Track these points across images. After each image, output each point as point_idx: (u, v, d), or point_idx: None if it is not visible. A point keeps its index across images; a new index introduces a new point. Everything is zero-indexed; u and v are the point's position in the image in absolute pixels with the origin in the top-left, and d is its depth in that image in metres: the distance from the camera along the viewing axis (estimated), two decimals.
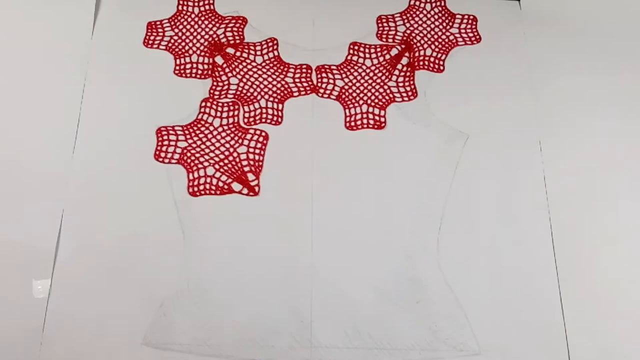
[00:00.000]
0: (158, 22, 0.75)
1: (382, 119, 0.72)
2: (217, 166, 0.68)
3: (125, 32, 0.74)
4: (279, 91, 0.73)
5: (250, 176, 0.68)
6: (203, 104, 0.71)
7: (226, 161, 0.68)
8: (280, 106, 0.72)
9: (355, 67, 0.75)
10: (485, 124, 0.72)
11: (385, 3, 0.79)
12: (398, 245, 0.65)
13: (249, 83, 0.73)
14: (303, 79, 0.74)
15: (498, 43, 0.77)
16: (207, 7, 0.77)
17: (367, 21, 0.78)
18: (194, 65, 0.73)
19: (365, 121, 0.72)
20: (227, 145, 0.69)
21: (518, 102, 0.74)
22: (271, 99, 0.72)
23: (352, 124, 0.72)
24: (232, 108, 0.71)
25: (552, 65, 0.76)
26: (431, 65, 0.76)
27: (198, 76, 0.73)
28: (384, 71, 0.75)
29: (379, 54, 0.76)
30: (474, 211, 0.68)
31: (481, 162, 0.70)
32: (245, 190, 0.67)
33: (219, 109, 0.71)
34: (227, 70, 0.73)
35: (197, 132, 0.69)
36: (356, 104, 0.73)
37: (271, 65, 0.74)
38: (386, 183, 0.68)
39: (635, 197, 0.70)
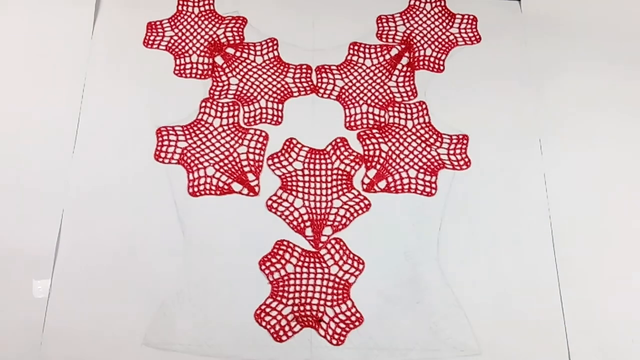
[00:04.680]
0: (158, 22, 0.75)
1: (382, 119, 0.72)
2: (217, 166, 0.68)
3: (125, 32, 0.74)
4: (279, 91, 0.73)
5: (250, 176, 0.68)
6: (203, 104, 0.71)
7: (226, 161, 0.68)
8: (280, 106, 0.72)
9: (355, 67, 0.75)
10: (485, 123, 0.72)
11: (385, 3, 0.79)
12: (398, 245, 0.65)
13: (249, 83, 0.73)
14: (303, 79, 0.74)
15: (498, 43, 0.77)
16: (207, 7, 0.77)
17: (367, 21, 0.78)
18: (194, 65, 0.73)
19: (365, 121, 0.72)
20: (227, 146, 0.69)
21: (518, 102, 0.74)
22: (271, 99, 0.72)
23: (352, 124, 0.72)
24: (232, 108, 0.71)
25: (552, 65, 0.76)
26: (431, 65, 0.76)
27: (198, 76, 0.73)
28: (384, 71, 0.75)
29: (379, 54, 0.76)
30: (474, 211, 0.68)
31: (481, 162, 0.70)
32: (245, 190, 0.67)
33: (219, 109, 0.71)
34: (227, 70, 0.73)
35: (197, 132, 0.69)
36: (356, 104, 0.73)
37: (271, 65, 0.74)
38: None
39: (636, 196, 0.70)
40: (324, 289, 0.63)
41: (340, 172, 0.69)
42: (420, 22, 0.79)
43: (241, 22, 0.76)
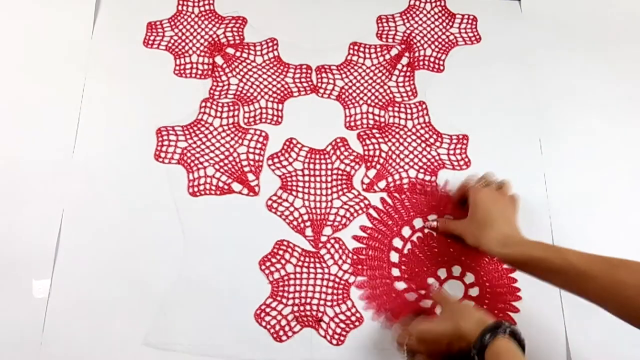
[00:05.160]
0: (158, 22, 0.75)
1: (382, 119, 0.72)
2: (217, 166, 0.68)
3: (125, 32, 0.74)
4: (279, 91, 0.73)
5: (250, 176, 0.68)
6: (203, 104, 0.71)
7: (226, 161, 0.68)
8: (280, 106, 0.72)
9: (355, 67, 0.75)
10: (485, 123, 0.72)
11: (385, 3, 0.79)
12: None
13: (249, 83, 0.73)
14: (303, 79, 0.74)
15: (498, 43, 0.77)
16: (207, 7, 0.77)
17: (367, 21, 0.78)
18: (194, 65, 0.73)
19: (365, 121, 0.72)
20: (227, 145, 0.69)
21: (518, 102, 0.74)
22: (271, 99, 0.72)
23: (352, 124, 0.72)
24: (232, 108, 0.71)
25: (552, 64, 0.76)
26: (431, 65, 0.76)
27: (198, 76, 0.73)
28: (384, 71, 0.75)
29: (379, 54, 0.76)
30: None
31: (481, 162, 0.70)
32: (245, 190, 0.67)
33: (219, 109, 0.71)
34: (227, 70, 0.73)
35: (197, 132, 0.69)
36: (356, 104, 0.73)
37: (271, 65, 0.74)
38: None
39: (635, 196, 0.70)
40: (324, 289, 0.63)
41: (340, 172, 0.69)
42: (420, 22, 0.78)
43: (241, 22, 0.76)
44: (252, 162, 0.68)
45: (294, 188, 0.67)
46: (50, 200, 0.64)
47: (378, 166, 0.69)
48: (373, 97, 0.73)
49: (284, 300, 0.62)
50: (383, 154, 0.70)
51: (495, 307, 0.63)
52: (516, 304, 0.64)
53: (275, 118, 0.71)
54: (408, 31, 0.78)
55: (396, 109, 0.73)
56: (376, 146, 0.70)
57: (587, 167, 0.71)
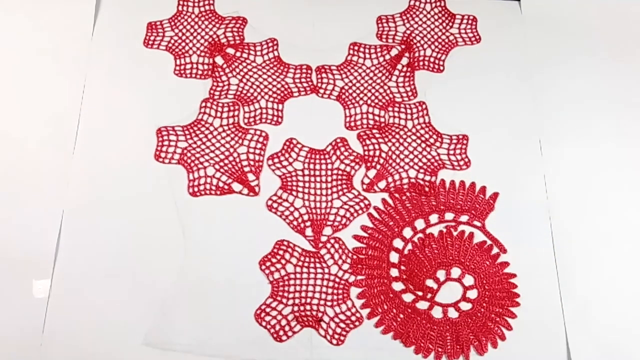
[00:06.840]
0: (158, 22, 0.75)
1: (382, 119, 0.72)
2: (217, 166, 0.68)
3: (125, 32, 0.74)
4: (279, 91, 0.73)
5: (250, 176, 0.68)
6: (203, 104, 0.71)
7: (226, 161, 0.68)
8: (280, 106, 0.72)
9: (355, 67, 0.75)
10: (485, 124, 0.73)
11: (385, 3, 0.79)
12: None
13: (249, 83, 0.73)
14: (303, 79, 0.74)
15: (498, 43, 0.77)
16: (207, 7, 0.77)
17: (367, 21, 0.78)
18: (194, 66, 0.73)
19: (365, 121, 0.72)
20: (227, 146, 0.69)
21: (518, 102, 0.74)
22: (271, 99, 0.72)
23: (352, 124, 0.72)
24: (232, 108, 0.71)
25: (552, 65, 0.76)
26: (431, 65, 0.76)
27: (198, 76, 0.73)
28: (384, 71, 0.75)
29: (379, 54, 0.76)
30: None
31: (481, 162, 0.70)
32: (245, 190, 0.67)
33: (219, 109, 0.71)
34: (227, 70, 0.73)
35: (197, 132, 0.69)
36: (356, 104, 0.73)
37: (271, 65, 0.74)
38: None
39: (636, 196, 0.70)
40: (324, 289, 0.63)
41: (340, 172, 0.69)
42: (420, 23, 0.79)
43: (241, 22, 0.76)
44: (252, 162, 0.68)
45: (294, 188, 0.67)
46: (50, 200, 0.64)
47: (378, 166, 0.69)
48: (373, 97, 0.73)
49: (284, 300, 0.62)
50: (383, 154, 0.70)
51: (492, 311, 0.63)
52: (514, 309, 0.63)
53: (275, 118, 0.71)
54: (408, 31, 0.78)
55: (396, 109, 0.73)
56: (376, 146, 0.70)
57: (587, 168, 0.71)
